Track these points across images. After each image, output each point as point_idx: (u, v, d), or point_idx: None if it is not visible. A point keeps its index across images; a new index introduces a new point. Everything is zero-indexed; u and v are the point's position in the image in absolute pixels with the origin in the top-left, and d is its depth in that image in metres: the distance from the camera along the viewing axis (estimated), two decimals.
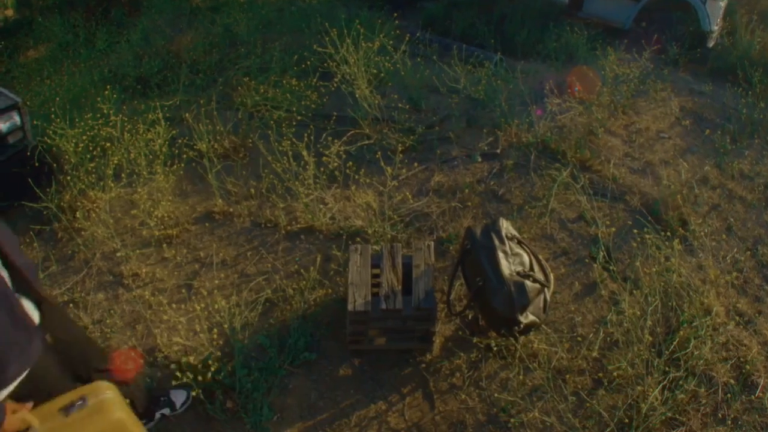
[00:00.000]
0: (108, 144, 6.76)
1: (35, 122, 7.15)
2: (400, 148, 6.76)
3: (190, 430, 4.71)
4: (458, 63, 7.94)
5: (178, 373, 4.75)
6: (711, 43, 9.77)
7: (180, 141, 6.95)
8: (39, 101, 9.04)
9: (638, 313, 4.89)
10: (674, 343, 4.90)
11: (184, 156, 6.76)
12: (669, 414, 4.57)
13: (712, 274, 5.60)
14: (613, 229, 6.01)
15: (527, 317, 4.49)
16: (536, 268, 4.68)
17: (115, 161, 6.56)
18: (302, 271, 5.65)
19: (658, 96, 8.16)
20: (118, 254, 6.00)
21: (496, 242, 4.61)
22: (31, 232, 6.22)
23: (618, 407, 4.55)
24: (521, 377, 4.85)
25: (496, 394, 4.79)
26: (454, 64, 7.92)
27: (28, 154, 6.39)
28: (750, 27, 9.87)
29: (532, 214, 6.15)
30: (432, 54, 8.69)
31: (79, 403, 3.24)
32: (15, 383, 3.16)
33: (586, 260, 5.81)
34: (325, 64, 7.73)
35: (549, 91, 7.47)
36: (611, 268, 5.59)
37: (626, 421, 4.50)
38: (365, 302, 4.72)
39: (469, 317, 5.21)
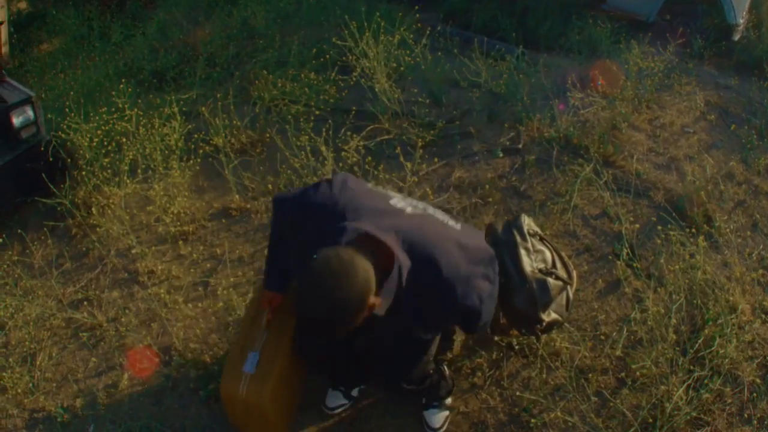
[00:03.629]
0: (123, 139, 6.71)
1: (49, 117, 7.13)
2: (420, 143, 6.67)
3: (205, 431, 4.65)
4: (479, 56, 7.87)
5: (191, 373, 4.73)
6: (737, 37, 9.65)
7: (196, 136, 6.92)
8: (53, 95, 9.03)
9: (662, 311, 4.83)
10: (699, 341, 4.83)
11: (201, 151, 6.71)
12: (694, 414, 4.50)
13: (738, 272, 5.52)
14: (637, 225, 5.93)
15: (549, 315, 4.40)
16: (559, 265, 4.59)
17: (131, 156, 6.54)
18: None
19: (682, 90, 8.06)
20: (134, 251, 5.98)
21: (518, 239, 4.52)
22: (45, 229, 6.21)
23: (642, 407, 4.49)
24: (543, 376, 4.80)
25: (517, 394, 4.75)
26: (476, 57, 7.85)
27: (42, 149, 6.36)
28: None
29: (555, 211, 6.07)
30: (453, 47, 8.59)
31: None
32: None
33: (610, 257, 5.74)
34: (344, 58, 7.68)
35: (571, 85, 7.38)
36: (635, 265, 5.51)
37: (650, 420, 4.45)
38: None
39: None
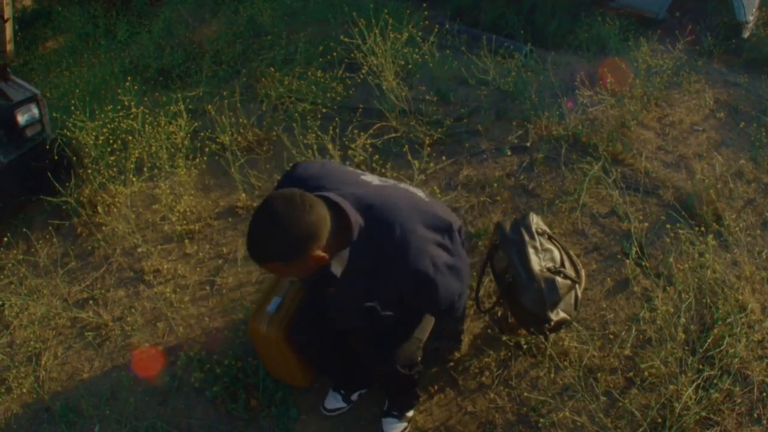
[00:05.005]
0: (129, 137, 6.71)
1: (54, 115, 7.14)
2: (427, 142, 6.64)
3: (211, 431, 4.64)
4: (487, 54, 7.83)
5: (197, 373, 4.72)
6: (746, 34, 9.62)
7: (202, 134, 6.93)
8: (58, 93, 9.05)
9: (671, 310, 4.79)
10: (708, 340, 4.81)
11: (207, 149, 6.73)
12: (703, 413, 4.47)
13: (747, 271, 5.49)
14: (646, 224, 5.90)
15: (558, 314, 4.38)
16: (567, 264, 4.57)
17: (136, 155, 6.53)
18: None
19: (691, 88, 8.03)
20: (139, 250, 5.98)
21: (526, 237, 4.50)
22: (50, 228, 6.24)
23: (651, 407, 4.46)
24: (552, 376, 4.78)
25: (525, 393, 4.73)
26: (483, 55, 7.81)
27: (47, 147, 6.40)
28: None
29: (563, 209, 6.05)
30: (461, 45, 8.58)
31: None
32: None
33: (619, 256, 5.71)
34: (352, 56, 7.65)
35: (580, 83, 7.34)
36: (644, 264, 5.48)
37: (659, 420, 4.42)
38: None
39: (499, 314, 5.12)
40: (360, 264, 3.36)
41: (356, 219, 3.26)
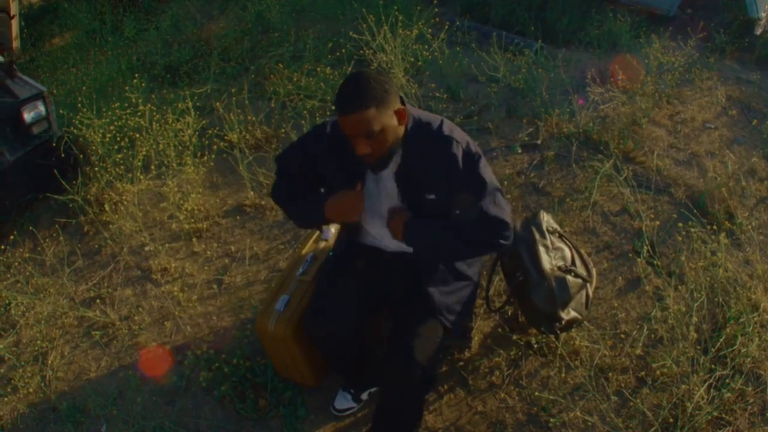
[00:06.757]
0: (136, 134, 6.73)
1: (61, 112, 7.10)
2: None
3: (221, 431, 4.62)
4: (497, 51, 7.80)
5: (204, 373, 4.67)
6: (759, 31, 9.56)
7: (210, 131, 6.89)
8: (65, 90, 9.05)
9: (683, 309, 4.76)
10: (720, 340, 4.75)
11: (215, 147, 6.71)
12: (715, 413, 4.42)
13: (760, 269, 5.43)
14: (658, 222, 5.86)
15: (569, 313, 4.35)
16: (578, 262, 4.54)
17: (144, 152, 6.53)
18: None
19: (703, 85, 7.99)
20: (147, 248, 5.96)
21: (537, 236, 4.47)
22: (57, 226, 6.24)
23: (662, 406, 4.42)
24: (562, 375, 4.73)
25: (536, 393, 4.69)
26: (494, 52, 7.78)
27: (54, 145, 6.38)
28: None
29: (574, 207, 6.01)
30: (471, 42, 8.57)
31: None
32: None
33: (630, 255, 5.67)
34: (361, 52, 7.64)
35: (591, 80, 7.33)
36: (655, 262, 5.45)
37: (671, 420, 4.37)
38: None
39: (509, 313, 5.09)
40: (415, 152, 3.81)
41: (409, 110, 3.77)
